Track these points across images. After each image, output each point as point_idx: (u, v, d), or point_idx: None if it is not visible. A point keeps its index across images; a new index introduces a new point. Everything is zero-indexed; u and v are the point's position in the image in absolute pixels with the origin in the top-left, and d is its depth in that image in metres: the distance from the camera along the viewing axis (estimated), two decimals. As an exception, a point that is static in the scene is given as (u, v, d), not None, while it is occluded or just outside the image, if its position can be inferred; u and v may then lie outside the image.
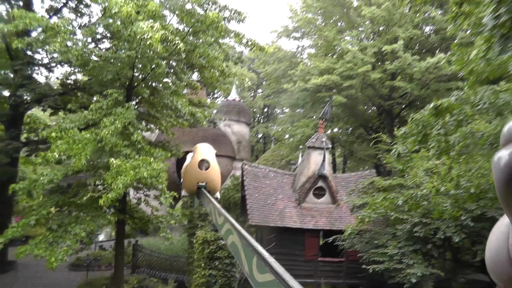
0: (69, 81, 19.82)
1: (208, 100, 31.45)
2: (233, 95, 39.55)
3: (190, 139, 32.32)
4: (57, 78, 20.92)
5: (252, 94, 61.77)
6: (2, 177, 17.07)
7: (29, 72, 18.37)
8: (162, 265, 21.37)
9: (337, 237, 17.67)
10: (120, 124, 13.02)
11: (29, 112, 21.32)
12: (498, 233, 1.04)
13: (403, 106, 32.20)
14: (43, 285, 19.16)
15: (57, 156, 11.37)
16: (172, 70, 16.78)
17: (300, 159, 26.81)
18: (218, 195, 13.83)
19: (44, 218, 13.33)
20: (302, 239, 20.45)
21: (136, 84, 16.07)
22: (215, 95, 60.05)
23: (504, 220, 1.03)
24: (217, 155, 33.50)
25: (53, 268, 11.95)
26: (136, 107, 17.13)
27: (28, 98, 17.16)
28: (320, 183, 21.56)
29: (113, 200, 11.35)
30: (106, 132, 12.33)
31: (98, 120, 13.64)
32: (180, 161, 25.32)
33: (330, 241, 18.27)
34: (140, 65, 14.78)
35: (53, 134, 11.83)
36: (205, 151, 14.21)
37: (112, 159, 12.09)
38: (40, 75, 34.37)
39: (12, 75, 18.35)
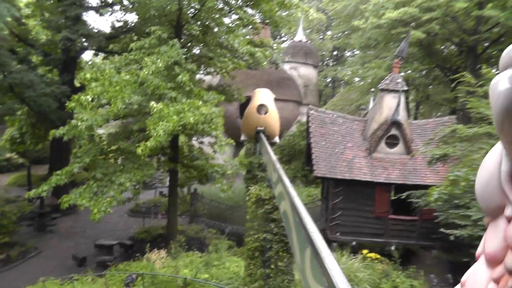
0: (118, 24, 18.66)
1: (274, 44, 29.21)
2: (300, 36, 36.75)
3: (254, 83, 30.57)
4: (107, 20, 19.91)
5: (320, 37, 57.86)
6: (56, 121, 16.58)
7: (76, 13, 17.31)
8: (222, 215, 20.42)
9: (412, 193, 15.33)
10: (163, 63, 11.50)
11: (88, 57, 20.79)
12: (490, 161, 1.02)
13: (490, 42, 27.65)
14: (102, 229, 19.21)
15: (90, 99, 10.16)
16: (226, 6, 14.88)
17: (371, 104, 24.14)
18: (277, 139, 13.37)
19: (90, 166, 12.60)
20: (372, 193, 18.35)
21: (185, 21, 14.33)
22: (282, 38, 57.18)
23: (496, 148, 1.02)
24: (282, 100, 32.10)
25: (95, 220, 11.18)
26: (187, 46, 15.61)
27: (75, 40, 16.13)
28: (394, 131, 18.96)
29: (153, 149, 10.03)
30: (146, 72, 10.86)
31: (139, 60, 12.21)
32: (244, 106, 24.06)
33: (403, 197, 16.00)
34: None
35: (88, 76, 10.59)
36: (263, 96, 13.58)
37: (153, 102, 10.67)
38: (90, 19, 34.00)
39: (62, 20, 17.49)
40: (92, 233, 18.54)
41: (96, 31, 16.66)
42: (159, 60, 11.43)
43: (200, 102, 11.69)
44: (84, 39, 15.66)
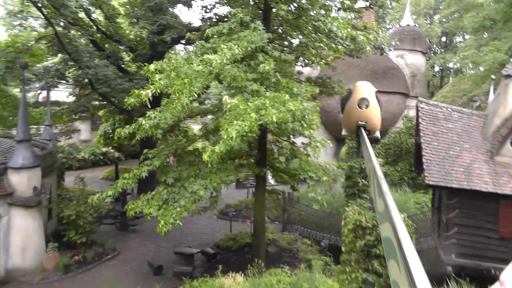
0: (208, 15, 17.30)
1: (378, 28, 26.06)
2: (407, 20, 32.85)
3: (357, 74, 27.69)
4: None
5: (428, 22, 52.20)
6: (139, 116, 15.68)
7: (160, 5, 16.24)
8: (318, 223, 17.97)
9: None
10: (240, 49, 9.55)
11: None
12: None
13: None
14: (187, 232, 18.10)
15: (150, 94, 8.56)
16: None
17: (491, 94, 19.98)
18: (377, 134, 12.00)
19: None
20: (496, 208, 14.76)
21: (274, 2, 12.28)
22: (387, 26, 52.91)
23: None
24: (387, 92, 28.84)
25: (162, 233, 9.67)
26: (277, 32, 13.62)
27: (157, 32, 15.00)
28: (524, 129, 15.16)
29: (222, 153, 8.12)
30: (219, 61, 9.00)
31: (217, 49, 10.41)
32: (346, 100, 21.67)
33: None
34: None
35: (151, 68, 9.01)
36: (364, 89, 11.93)
37: (226, 97, 8.77)
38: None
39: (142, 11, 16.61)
40: (176, 235, 17.45)
41: (177, 22, 15.48)
42: (236, 46, 9.51)
43: (287, 96, 9.53)
44: (164, 30, 14.53)
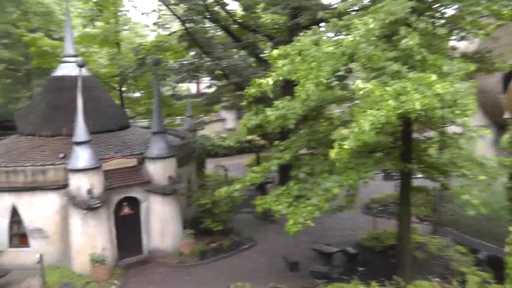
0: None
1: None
2: None
3: (526, 44, 22.78)
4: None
5: None
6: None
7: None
8: (476, 228, 14.96)
9: None
10: (376, 23, 8.07)
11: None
12: None
13: None
14: (329, 226, 17.03)
15: (270, 82, 7.72)
16: None
17: None
18: None
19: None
20: None
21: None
22: None
23: None
24: None
25: (292, 233, 8.89)
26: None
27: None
28: None
29: (353, 149, 6.87)
30: (351, 38, 7.70)
31: (351, 26, 9.06)
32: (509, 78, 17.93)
33: None
34: None
35: (275, 53, 8.15)
36: None
37: (358, 81, 7.45)
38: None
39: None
40: (316, 229, 16.46)
41: (311, 2, 14.37)
42: (371, 20, 8.05)
43: (434, 77, 7.73)
44: (298, 13, 13.63)
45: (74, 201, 12.90)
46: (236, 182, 10.22)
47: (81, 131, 13.07)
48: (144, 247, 14.98)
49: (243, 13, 20.68)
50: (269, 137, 34.17)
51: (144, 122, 27.20)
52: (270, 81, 7.81)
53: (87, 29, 23.34)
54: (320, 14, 11.27)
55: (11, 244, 14.05)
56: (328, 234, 16.61)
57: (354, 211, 18.67)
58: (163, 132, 14.91)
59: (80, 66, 13.24)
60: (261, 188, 20.85)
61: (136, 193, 14.59)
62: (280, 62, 8.05)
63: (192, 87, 31.74)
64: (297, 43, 8.43)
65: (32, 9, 24.74)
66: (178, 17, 16.35)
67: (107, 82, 24.57)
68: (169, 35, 18.42)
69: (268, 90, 7.97)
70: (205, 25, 17.11)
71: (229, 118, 33.44)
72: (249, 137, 32.17)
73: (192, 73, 15.91)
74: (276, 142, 11.07)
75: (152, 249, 14.90)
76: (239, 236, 15.86)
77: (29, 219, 13.74)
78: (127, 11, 38.53)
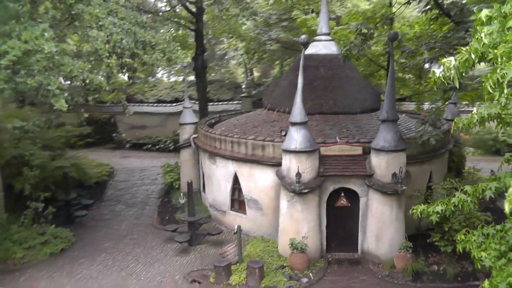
0: None
1: None
2: None
3: None
4: None
5: None
6: None
7: None
8: None
9: None
10: None
11: None
12: None
13: None
14: None
15: (453, 62, 4.67)
16: None
17: None
18: None
19: None
20: None
21: None
22: None
23: None
24: None
25: None
26: None
27: None
28: None
29: None
30: None
31: None
32: None
33: None
34: None
35: (483, 15, 4.88)
36: None
37: None
38: None
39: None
40: None
41: None
42: None
43: None
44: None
45: (283, 182, 12.63)
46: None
47: (297, 111, 12.46)
48: (359, 246, 13.44)
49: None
50: None
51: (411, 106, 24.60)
52: (452, 61, 4.73)
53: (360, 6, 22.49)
54: None
55: (232, 207, 15.34)
56: None
57: None
58: (394, 121, 12.56)
59: (304, 44, 12.50)
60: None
61: (354, 186, 13.06)
62: (484, 30, 4.83)
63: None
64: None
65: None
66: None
67: (375, 61, 23.28)
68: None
69: (453, 75, 4.95)
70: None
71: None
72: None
73: (447, 48, 12.49)
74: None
75: (365, 251, 13.19)
76: (473, 266, 11.98)
77: (247, 189, 14.51)
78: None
